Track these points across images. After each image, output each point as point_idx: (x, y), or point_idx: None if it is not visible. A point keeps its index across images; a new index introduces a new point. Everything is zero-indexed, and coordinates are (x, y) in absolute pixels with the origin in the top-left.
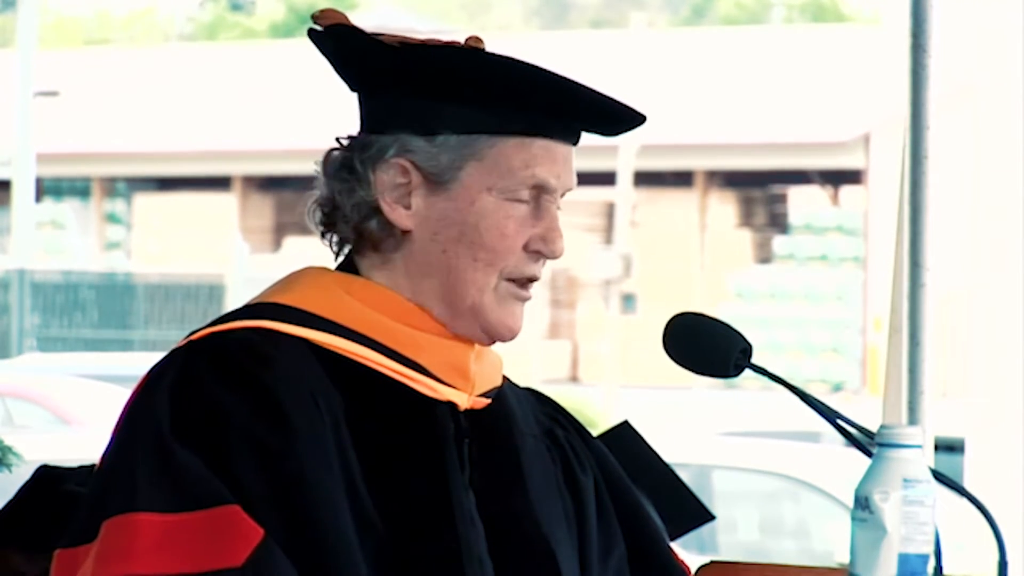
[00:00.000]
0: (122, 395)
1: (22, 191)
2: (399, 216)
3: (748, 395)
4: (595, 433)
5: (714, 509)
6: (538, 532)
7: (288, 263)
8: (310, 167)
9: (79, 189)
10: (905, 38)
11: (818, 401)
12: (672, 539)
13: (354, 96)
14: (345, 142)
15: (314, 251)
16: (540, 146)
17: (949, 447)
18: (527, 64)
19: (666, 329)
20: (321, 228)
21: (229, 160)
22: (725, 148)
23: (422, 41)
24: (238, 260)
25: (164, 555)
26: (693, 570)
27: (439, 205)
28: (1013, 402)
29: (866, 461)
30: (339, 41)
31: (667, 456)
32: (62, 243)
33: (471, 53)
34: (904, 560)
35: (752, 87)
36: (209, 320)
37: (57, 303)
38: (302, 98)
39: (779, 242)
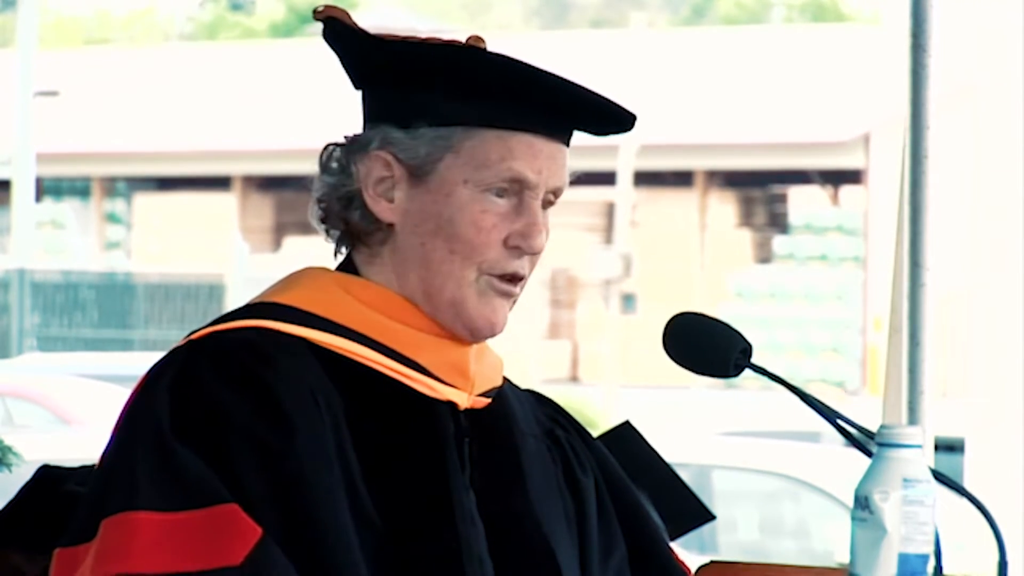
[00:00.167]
0: (122, 395)
1: (22, 191)
2: (382, 209)
3: (748, 395)
4: (595, 433)
5: (714, 509)
6: (538, 532)
7: (288, 263)
8: (310, 167)
9: (79, 189)
10: (905, 38)
11: (818, 401)
12: (673, 539)
13: (355, 94)
14: (343, 140)
15: (314, 251)
16: (520, 140)
17: (949, 447)
18: (508, 58)
19: (666, 329)
20: (319, 224)
21: (229, 160)
22: (725, 148)
23: (409, 37)
24: (238, 260)
25: (163, 554)
26: (693, 570)
27: (419, 198)
28: (1013, 402)
29: (866, 461)
30: (333, 35)
31: (667, 456)
32: (62, 243)
33: (451, 47)
34: (904, 560)
35: (752, 87)
36: (209, 320)
37: (57, 303)
38: (302, 98)
39: (779, 242)
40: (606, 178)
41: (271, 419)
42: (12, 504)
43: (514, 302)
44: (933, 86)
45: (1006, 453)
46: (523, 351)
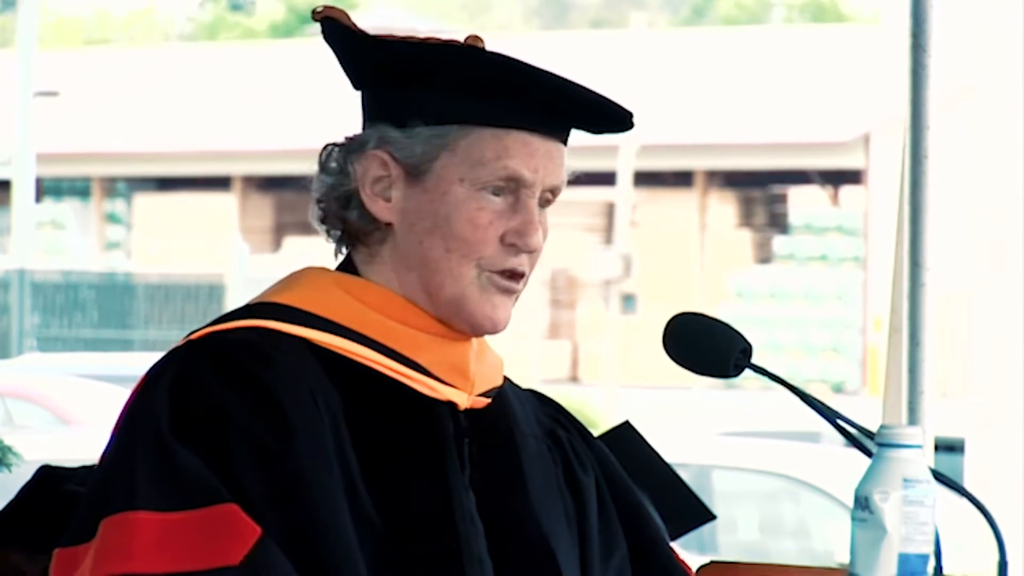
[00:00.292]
0: (122, 395)
1: (22, 191)
2: (379, 208)
3: (748, 395)
4: (596, 433)
5: (714, 509)
6: (538, 532)
7: (288, 263)
8: (310, 167)
9: (79, 189)
10: (905, 38)
11: (818, 401)
12: (673, 539)
13: (355, 95)
14: (342, 140)
15: (314, 251)
16: (515, 138)
17: (949, 447)
18: (503, 56)
19: (666, 329)
20: (319, 225)
21: (229, 160)
22: (725, 148)
23: (406, 37)
24: (238, 260)
25: (162, 553)
26: (694, 570)
27: (416, 197)
28: (1013, 402)
29: (866, 461)
30: (331, 36)
31: (667, 456)
32: (62, 243)
33: (447, 46)
34: (904, 560)
35: (752, 87)
36: (209, 320)
37: (57, 303)
38: (302, 98)
39: (779, 242)
40: (606, 178)
41: (270, 419)
42: (12, 504)
43: (516, 299)
44: (933, 86)
45: (1006, 453)
46: (523, 351)
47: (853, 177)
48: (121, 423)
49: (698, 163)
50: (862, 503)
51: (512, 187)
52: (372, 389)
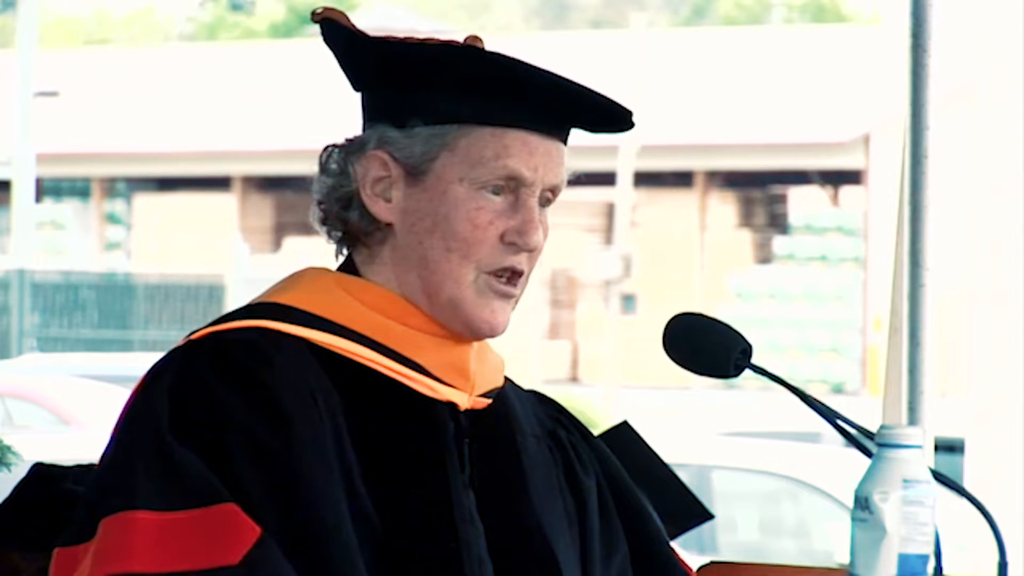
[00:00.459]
0: (122, 395)
1: (22, 191)
2: (380, 209)
3: (748, 395)
4: (595, 434)
5: (714, 509)
6: (539, 532)
7: (288, 263)
8: (310, 167)
9: (79, 189)
10: (905, 38)
11: (818, 401)
12: (671, 538)
13: (355, 95)
14: (342, 141)
15: (314, 251)
16: (515, 137)
17: (949, 447)
18: (502, 55)
19: (666, 329)
20: (320, 226)
21: (229, 160)
22: (725, 148)
23: (406, 38)
24: (238, 260)
25: (161, 553)
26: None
27: (416, 197)
28: (1013, 402)
29: (866, 461)
30: (331, 37)
31: (667, 456)
32: (62, 243)
33: (446, 45)
34: (904, 560)
35: (752, 87)
36: (209, 320)
37: (57, 303)
38: (302, 98)
39: (779, 242)
40: (606, 178)
41: (271, 419)
42: (7, 503)
43: (516, 302)
44: (933, 86)
45: (1006, 453)
46: (523, 351)
47: (853, 177)
48: (121, 423)
49: (698, 163)
50: (862, 503)
51: (512, 186)
52: (372, 389)
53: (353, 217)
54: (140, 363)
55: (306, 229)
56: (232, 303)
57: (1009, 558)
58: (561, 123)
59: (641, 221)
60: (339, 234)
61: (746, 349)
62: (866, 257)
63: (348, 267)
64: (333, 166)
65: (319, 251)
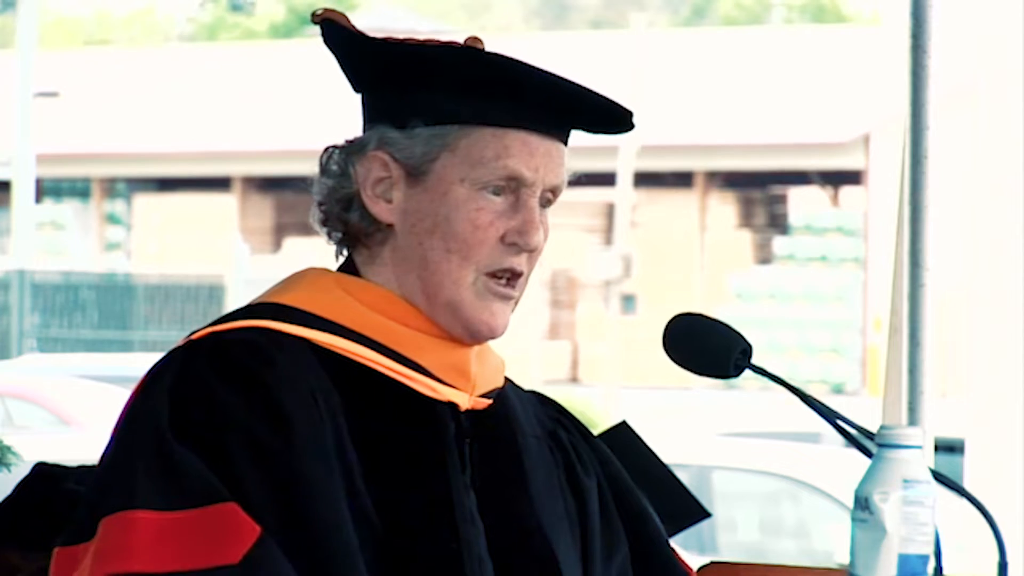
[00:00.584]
0: (122, 396)
1: (22, 191)
2: (380, 209)
3: (748, 395)
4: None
5: (714, 509)
6: (539, 532)
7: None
8: (310, 167)
9: (79, 190)
10: (905, 38)
11: (818, 401)
12: (669, 537)
13: (355, 96)
14: (343, 142)
15: (314, 252)
16: (515, 138)
17: (949, 447)
18: (502, 56)
19: (666, 330)
20: (321, 227)
21: (229, 160)
22: (725, 148)
23: (406, 38)
24: (238, 261)
25: (161, 552)
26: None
27: (416, 197)
28: (1013, 402)
29: (866, 461)
30: (331, 39)
31: (667, 456)
32: (62, 244)
33: (446, 46)
34: (904, 561)
35: (752, 87)
36: (209, 320)
37: (57, 303)
38: (302, 98)
39: (779, 243)
40: (606, 179)
41: (271, 419)
42: (7, 502)
43: (515, 304)
44: (933, 86)
45: (1006, 453)
46: (523, 352)
47: (853, 177)
48: (121, 423)
49: (698, 164)
50: (862, 503)
51: (512, 187)
52: (373, 390)
53: (353, 218)
54: (140, 363)
55: (306, 230)
56: (232, 303)
57: (1009, 558)
58: (561, 123)
59: (641, 221)
60: (339, 235)
61: (746, 349)
62: (866, 257)
63: (348, 268)
64: (333, 167)
65: (319, 252)
